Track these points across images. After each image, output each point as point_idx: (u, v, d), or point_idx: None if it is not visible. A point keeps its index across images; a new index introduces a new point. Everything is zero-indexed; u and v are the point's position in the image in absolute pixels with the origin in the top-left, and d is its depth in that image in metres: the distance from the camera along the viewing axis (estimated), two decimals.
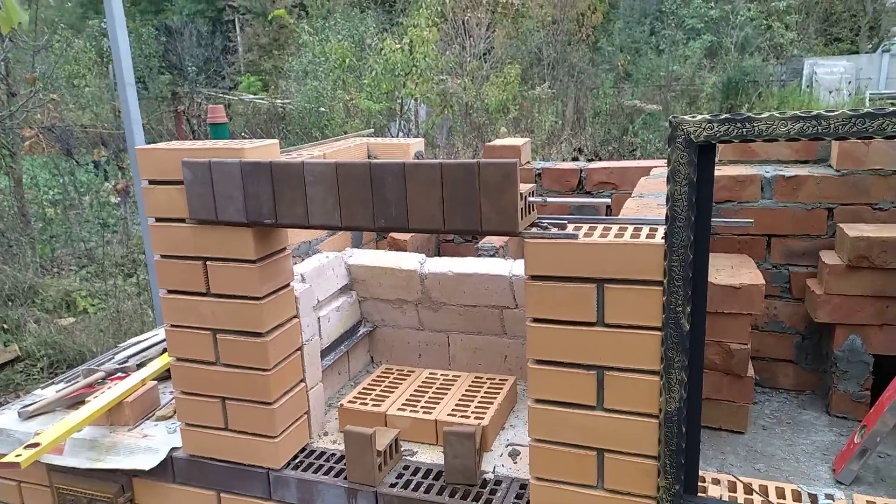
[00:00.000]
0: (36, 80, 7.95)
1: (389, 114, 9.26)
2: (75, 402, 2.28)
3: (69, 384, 2.50)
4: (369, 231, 1.64)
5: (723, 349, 1.91)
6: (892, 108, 1.16)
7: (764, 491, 1.54)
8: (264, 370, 1.78)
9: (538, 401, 1.56)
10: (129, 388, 2.19)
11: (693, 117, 1.28)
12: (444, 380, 2.22)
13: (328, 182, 1.56)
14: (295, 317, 1.89)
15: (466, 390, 2.13)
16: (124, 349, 2.71)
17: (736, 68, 12.99)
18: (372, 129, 2.94)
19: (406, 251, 2.44)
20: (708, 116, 1.27)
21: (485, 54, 13.38)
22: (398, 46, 8.46)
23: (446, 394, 2.11)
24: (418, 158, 2.63)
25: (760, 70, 12.88)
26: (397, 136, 9.58)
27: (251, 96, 14.21)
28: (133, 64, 3.26)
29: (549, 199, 1.49)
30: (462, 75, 10.21)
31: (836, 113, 1.19)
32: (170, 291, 1.83)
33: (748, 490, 1.54)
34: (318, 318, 2.17)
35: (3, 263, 6.47)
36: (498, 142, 2.48)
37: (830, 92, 12.44)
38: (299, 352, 1.92)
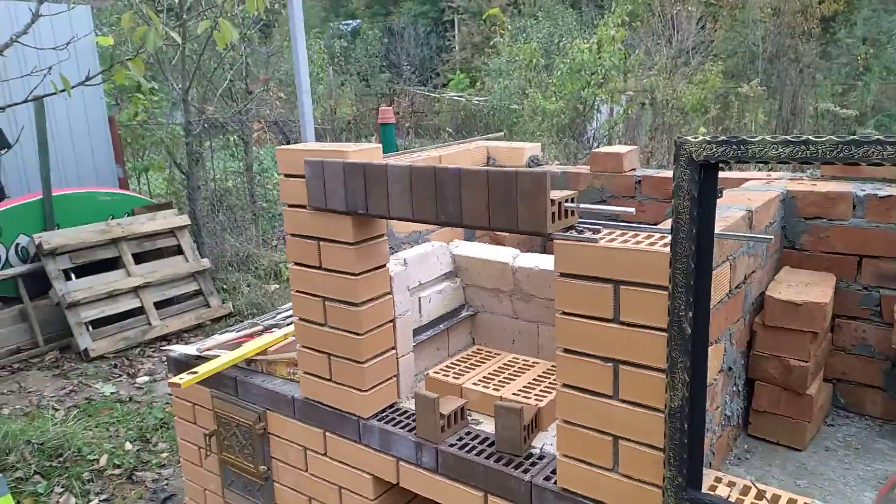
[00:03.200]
0: (268, 80, 9.29)
1: (575, 114, 9.38)
2: (236, 346, 2.87)
3: (239, 332, 3.12)
4: (433, 223, 1.93)
5: (782, 364, 1.90)
6: (876, 136, 1.20)
7: (775, 501, 1.58)
8: (357, 334, 2.16)
9: (565, 385, 1.75)
10: (272, 340, 2.71)
11: (695, 138, 1.40)
12: (523, 364, 2.44)
13: (404, 182, 1.88)
14: (388, 293, 2.25)
15: (539, 375, 2.34)
16: (284, 311, 3.29)
17: None
18: (502, 133, 3.20)
19: (504, 245, 2.69)
20: (707, 138, 1.38)
21: (694, 49, 12.81)
22: (586, 46, 8.54)
23: (521, 376, 2.34)
24: (533, 163, 2.86)
25: None
26: (589, 139, 9.65)
27: (452, 94, 15.10)
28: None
29: (583, 206, 1.67)
30: (655, 72, 9.95)
31: (823, 139, 1.25)
32: (296, 264, 2.28)
33: (759, 496, 1.59)
34: (419, 298, 2.51)
35: (231, 235, 7.76)
36: (605, 149, 2.61)
37: None
38: (391, 324, 2.27)
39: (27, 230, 5.81)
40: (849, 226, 2.05)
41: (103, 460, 3.90)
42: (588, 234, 1.63)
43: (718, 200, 2.01)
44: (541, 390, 2.22)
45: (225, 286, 6.84)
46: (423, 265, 2.53)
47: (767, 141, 1.31)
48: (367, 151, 2.10)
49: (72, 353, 5.58)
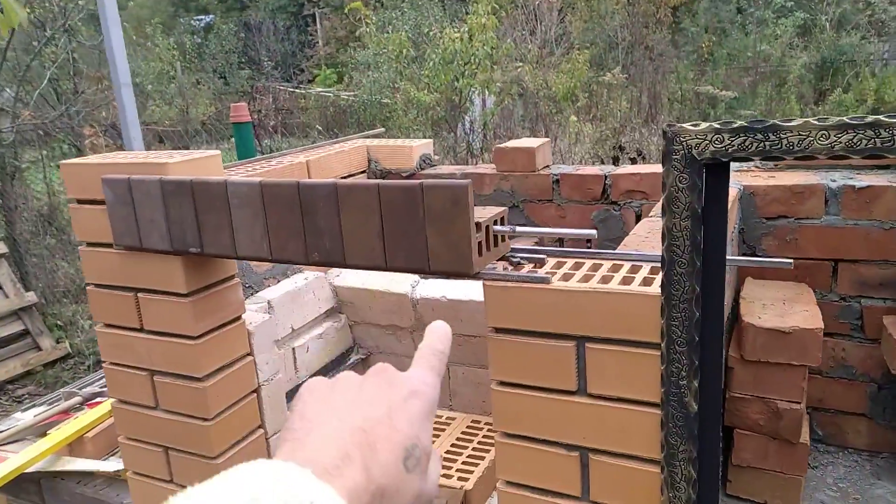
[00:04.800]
0: (102, 78, 8.12)
1: (451, 106, 8.96)
2: (47, 429, 2.12)
3: (52, 406, 2.35)
4: (302, 264, 1.35)
5: (769, 408, 1.51)
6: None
7: None
8: (204, 419, 1.53)
9: (509, 483, 1.23)
10: (94, 420, 2.00)
11: (695, 126, 0.91)
12: (435, 422, 1.91)
13: (255, 205, 1.28)
14: (248, 354, 1.63)
15: (459, 437, 1.81)
16: None
17: (831, 47, 11.89)
18: (383, 129, 2.64)
19: None
20: (716, 125, 0.90)
21: (557, 39, 12.87)
22: (457, 35, 8.13)
23: (435, 440, 1.80)
24: (426, 164, 2.32)
25: (859, 49, 11.74)
26: (466, 131, 9.27)
27: (318, 90, 14.24)
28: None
29: (518, 230, 1.15)
30: (527, 61, 9.76)
31: None
32: (105, 325, 1.60)
33: None
34: (293, 350, 1.90)
35: (62, 259, 6.62)
36: (512, 143, 2.14)
37: None
38: (254, 395, 1.66)
39: None
40: (821, 225, 1.69)
41: None
42: (531, 271, 1.12)
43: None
44: (464, 462, 1.70)
45: (59, 322, 5.77)
46: (294, 306, 1.92)
47: (813, 125, 0.85)
48: (198, 161, 1.46)
49: None
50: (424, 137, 9.10)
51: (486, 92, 8.96)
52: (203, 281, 1.48)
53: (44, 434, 2.10)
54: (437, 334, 0.53)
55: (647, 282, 1.06)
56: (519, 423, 1.18)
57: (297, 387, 1.95)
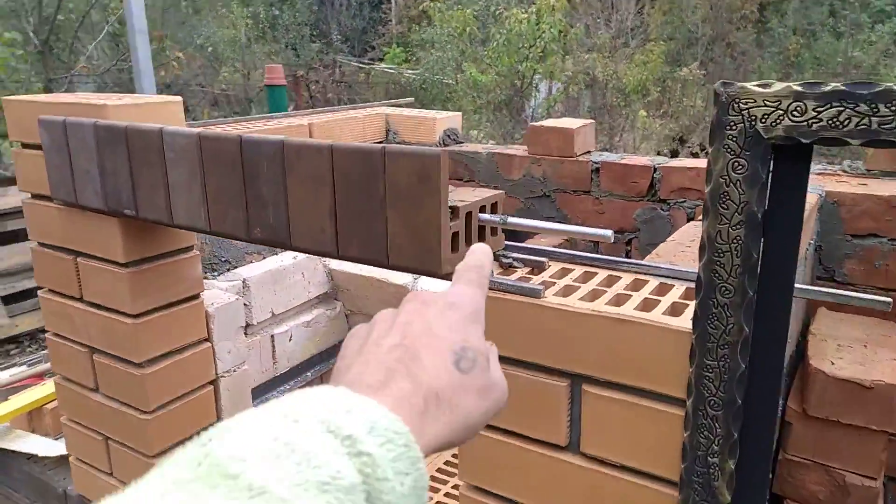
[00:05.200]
0: (163, 37, 8.12)
1: (514, 90, 8.61)
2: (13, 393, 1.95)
3: (31, 367, 2.20)
4: (243, 241, 1.09)
5: (833, 480, 1.18)
6: None
7: None
8: (142, 412, 1.30)
9: None
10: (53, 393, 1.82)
11: (764, 86, 0.61)
12: None
13: (192, 162, 1.03)
14: (205, 340, 1.39)
15: (447, 461, 1.54)
16: None
17: None
18: (412, 99, 2.36)
19: None
20: (796, 86, 0.59)
21: (633, 30, 12.33)
22: (524, 16, 7.76)
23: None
24: (451, 139, 2.04)
25: None
26: (526, 118, 8.91)
27: (383, 66, 14.04)
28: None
29: (510, 220, 0.86)
30: (596, 50, 9.29)
31: None
32: (48, 290, 1.39)
33: None
34: (272, 337, 1.67)
35: None
36: (549, 122, 1.83)
37: None
38: (211, 387, 1.42)
39: None
40: None
41: None
42: (522, 279, 0.83)
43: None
44: (454, 486, 1.43)
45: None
46: (277, 287, 1.68)
47: None
48: (148, 107, 1.21)
49: None
50: (483, 121, 8.79)
51: (552, 78, 8.57)
52: (147, 250, 1.25)
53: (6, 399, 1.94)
54: (477, 253, 0.53)
55: (675, 310, 0.76)
56: (489, 477, 0.90)
57: (273, 379, 1.72)
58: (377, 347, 0.42)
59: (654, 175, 1.67)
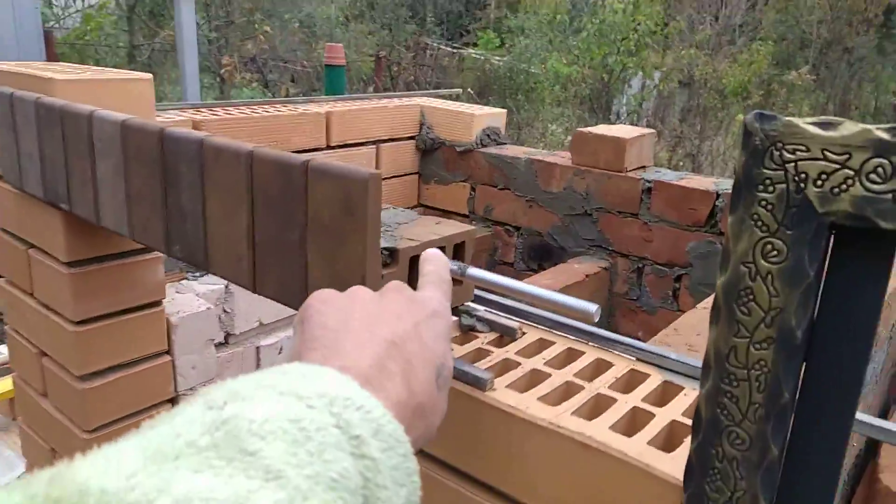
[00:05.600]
0: (254, 10, 8.18)
1: (601, 84, 8.18)
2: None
3: None
4: (163, 253, 0.91)
5: None
6: None
7: None
8: (83, 430, 1.16)
9: None
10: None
11: (827, 126, 0.35)
12: None
13: (116, 155, 0.85)
14: (165, 353, 1.23)
15: None
16: None
17: None
18: (459, 91, 2.14)
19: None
20: (882, 131, 0.34)
21: (740, 26, 11.56)
22: (620, 6, 7.32)
23: None
24: (490, 139, 1.80)
25: None
26: (616, 114, 8.49)
27: (471, 51, 13.78)
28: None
29: (470, 272, 0.64)
30: (695, 45, 8.69)
31: None
32: (7, 281, 1.27)
33: None
34: (257, 349, 1.50)
35: None
36: (599, 129, 1.56)
37: None
38: (170, 405, 1.26)
39: None
40: None
41: None
42: (471, 359, 0.60)
43: None
44: None
45: None
46: None
47: None
48: (102, 83, 1.04)
49: None
50: (567, 115, 8.43)
51: (643, 74, 8.09)
52: (96, 249, 1.09)
53: None
54: (438, 264, 0.52)
55: (673, 436, 0.52)
56: None
57: None
58: (370, 335, 0.41)
59: (717, 202, 1.38)
